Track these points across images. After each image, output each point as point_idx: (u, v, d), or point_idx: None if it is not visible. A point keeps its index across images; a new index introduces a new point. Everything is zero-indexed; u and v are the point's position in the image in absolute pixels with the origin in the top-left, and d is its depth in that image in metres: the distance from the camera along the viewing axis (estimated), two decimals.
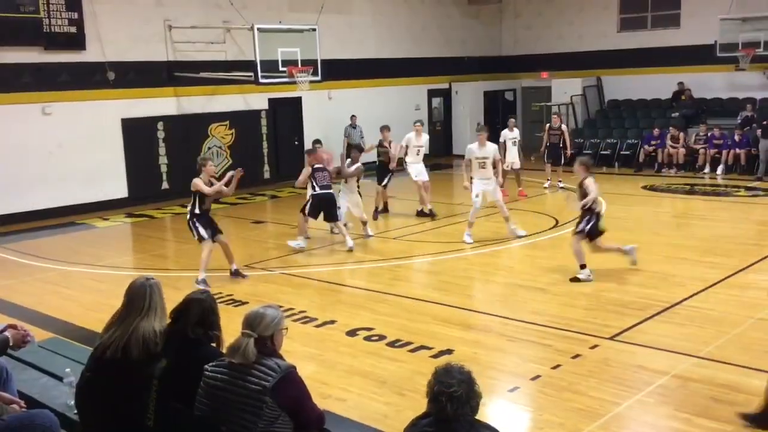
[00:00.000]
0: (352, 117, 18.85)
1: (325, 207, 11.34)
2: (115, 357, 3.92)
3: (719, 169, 17.77)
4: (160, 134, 16.56)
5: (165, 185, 16.73)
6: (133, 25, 15.77)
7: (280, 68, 15.50)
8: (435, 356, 6.84)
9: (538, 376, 6.40)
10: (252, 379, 3.49)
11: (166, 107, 16.57)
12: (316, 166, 11.43)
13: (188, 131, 16.91)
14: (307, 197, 11.52)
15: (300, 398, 3.59)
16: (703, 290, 8.57)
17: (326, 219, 11.61)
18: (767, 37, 18.51)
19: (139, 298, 4.08)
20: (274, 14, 17.37)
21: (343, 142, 18.63)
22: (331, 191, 11.43)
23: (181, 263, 11.20)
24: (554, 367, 6.56)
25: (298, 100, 18.88)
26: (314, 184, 11.32)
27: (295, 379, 3.58)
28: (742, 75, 19.56)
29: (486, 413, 6.00)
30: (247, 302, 8.68)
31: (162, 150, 16.63)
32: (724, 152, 17.83)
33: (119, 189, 16.05)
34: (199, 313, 3.98)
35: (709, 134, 18.17)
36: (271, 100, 18.39)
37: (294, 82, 16.02)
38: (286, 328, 3.80)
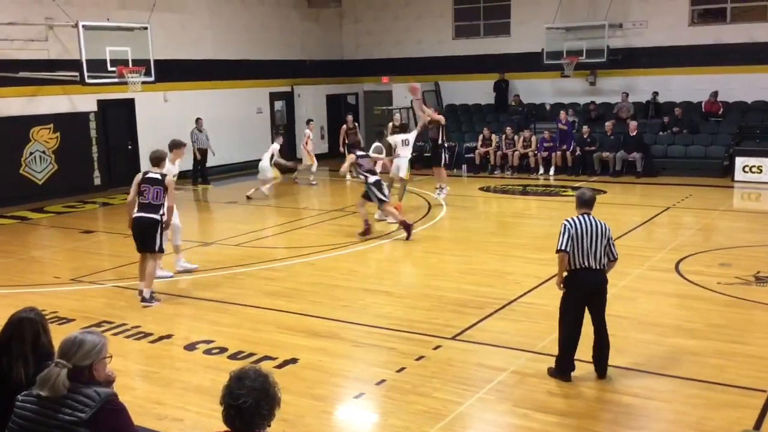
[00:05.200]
0: (198, 120, 18.15)
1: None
2: None
3: (551, 171, 18.80)
4: None
5: None
6: None
7: (109, 68, 14.66)
8: (279, 366, 6.64)
9: (383, 381, 6.37)
10: (66, 410, 3.18)
11: None
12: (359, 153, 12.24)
13: (7, 135, 15.55)
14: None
15: (120, 428, 3.31)
16: (537, 286, 8.95)
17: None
18: (589, 45, 19.88)
19: None
20: (101, 11, 16.37)
21: (192, 148, 17.93)
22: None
23: None
24: (399, 371, 6.56)
25: (130, 102, 17.91)
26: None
27: (116, 407, 3.30)
28: (567, 81, 20.83)
29: (332, 421, 5.92)
30: (74, 319, 8.05)
31: None
32: (554, 155, 18.88)
33: None
34: (32, 332, 3.72)
35: (539, 137, 19.16)
36: (100, 102, 17.32)
37: (125, 83, 15.21)
38: (110, 356, 3.46)
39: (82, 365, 3.29)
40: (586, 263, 6.10)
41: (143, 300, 8.75)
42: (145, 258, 8.96)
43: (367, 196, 12.15)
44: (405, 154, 14.05)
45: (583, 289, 6.16)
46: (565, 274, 6.23)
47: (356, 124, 19.54)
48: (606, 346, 6.27)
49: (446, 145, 15.71)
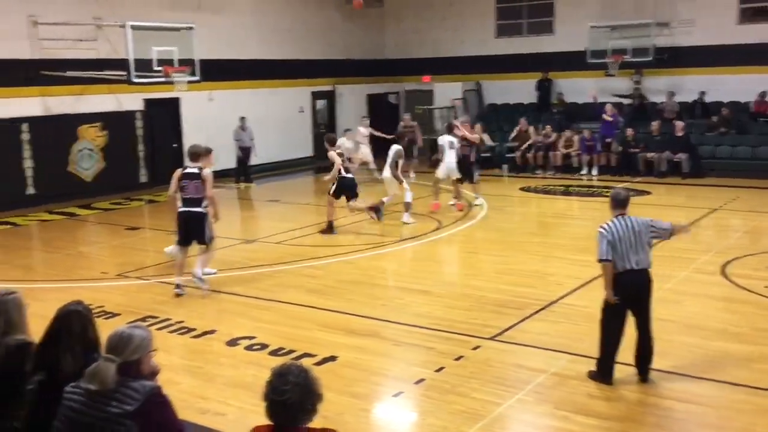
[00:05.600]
0: (242, 119, 18.40)
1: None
2: None
3: (594, 171, 18.58)
4: (25, 136, 15.51)
5: (31, 190, 15.68)
6: None
7: (156, 67, 14.91)
8: (318, 363, 6.69)
9: (422, 380, 6.38)
10: (113, 403, 3.25)
11: (31, 108, 15.54)
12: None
13: (56, 133, 15.94)
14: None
15: (165, 421, 3.36)
16: (579, 288, 8.86)
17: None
18: (634, 44, 19.57)
19: (3, 313, 3.92)
20: (149, 11, 16.67)
21: (234, 146, 18.19)
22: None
23: (48, 274, 10.51)
24: (438, 370, 6.56)
25: (176, 101, 18.21)
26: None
27: (160, 400, 3.36)
28: (612, 80, 20.54)
29: (370, 419, 5.95)
30: (120, 314, 8.22)
31: (27, 153, 15.59)
32: (595, 156, 18.66)
33: None
34: (80, 325, 3.78)
35: (580, 137, 18.93)
36: (146, 101, 17.65)
37: (171, 82, 15.45)
38: (155, 350, 3.54)
39: (131, 360, 3.36)
40: (627, 266, 5.98)
41: (195, 277, 8.97)
42: (185, 252, 9.17)
43: (337, 194, 12.28)
44: (451, 157, 13.92)
45: (625, 293, 6.02)
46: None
47: (415, 123, 19.50)
48: (649, 349, 6.16)
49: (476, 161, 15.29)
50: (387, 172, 13.33)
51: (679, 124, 18.00)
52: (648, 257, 6.09)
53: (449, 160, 13.93)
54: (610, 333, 6.12)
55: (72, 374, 3.58)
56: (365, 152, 17.63)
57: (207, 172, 8.99)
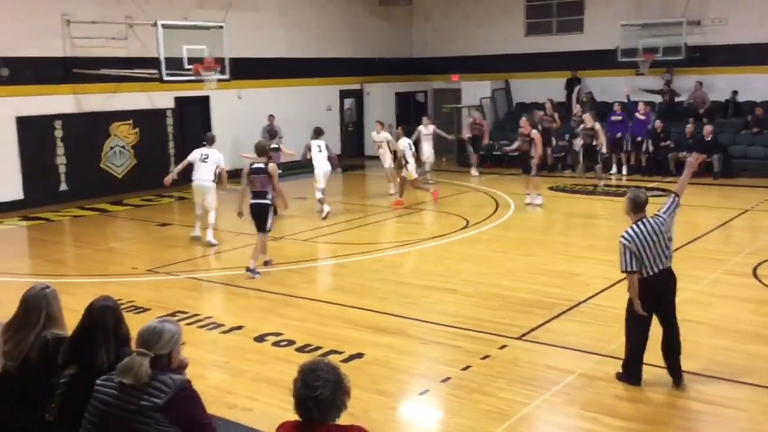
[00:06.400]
0: (270, 117, 18.50)
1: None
2: (10, 369, 3.79)
3: (624, 170, 18.40)
4: (58, 133, 15.78)
5: (63, 186, 15.95)
6: (27, 19, 14.96)
7: (186, 66, 15.05)
8: (345, 360, 6.72)
9: (448, 378, 6.38)
10: (144, 396, 3.30)
11: (64, 105, 15.79)
12: None
13: (88, 130, 16.19)
14: None
15: (193, 414, 3.40)
16: (607, 288, 8.79)
17: None
18: (665, 43, 19.32)
19: (35, 308, 3.98)
20: (179, 10, 16.85)
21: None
22: None
23: (79, 268, 10.68)
24: (464, 369, 6.56)
25: (206, 99, 18.38)
26: None
27: (189, 394, 3.40)
28: (642, 79, 20.31)
29: (397, 416, 5.96)
30: (150, 309, 8.33)
31: (60, 150, 15.85)
32: (623, 154, 18.47)
33: (14, 191, 15.18)
34: (113, 320, 3.85)
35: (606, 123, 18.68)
36: (177, 99, 17.83)
37: (201, 81, 15.59)
38: (184, 343, 3.59)
39: (161, 354, 3.40)
40: (653, 270, 5.86)
41: (249, 271, 9.69)
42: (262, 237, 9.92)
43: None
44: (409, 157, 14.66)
45: (650, 294, 5.92)
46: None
47: (485, 120, 19.74)
48: (675, 349, 6.06)
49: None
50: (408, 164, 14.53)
51: (708, 128, 17.70)
52: (671, 254, 5.98)
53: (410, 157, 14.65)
54: (637, 335, 6.07)
55: (105, 368, 3.65)
56: (427, 151, 17.56)
57: (272, 166, 9.80)
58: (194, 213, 12.15)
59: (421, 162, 17.06)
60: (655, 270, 5.89)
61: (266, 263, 10.16)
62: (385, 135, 15.92)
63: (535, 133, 14.23)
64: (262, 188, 9.69)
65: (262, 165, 9.73)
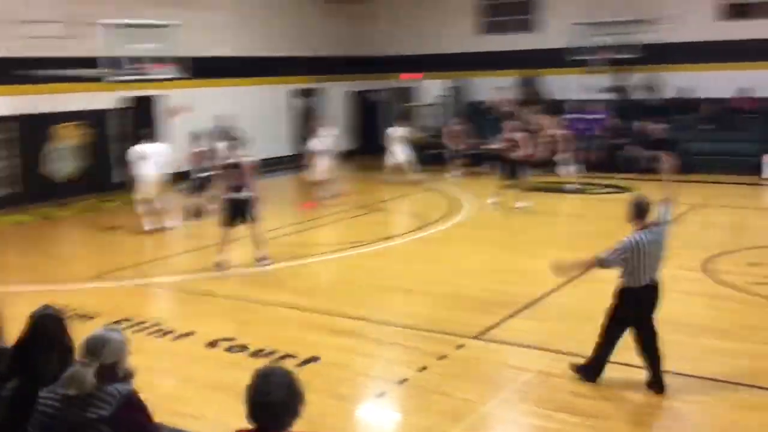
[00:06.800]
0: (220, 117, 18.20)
1: None
2: None
3: (574, 167, 18.58)
4: None
5: (3, 191, 15.33)
6: None
7: (135, 65, 14.71)
8: (301, 364, 6.59)
9: (405, 380, 6.30)
10: (89, 408, 3.19)
11: (2, 107, 15.19)
12: None
13: (30, 133, 15.64)
14: None
15: (140, 425, 3.31)
16: (562, 285, 8.78)
17: None
18: (616, 41, 19.60)
19: None
20: (130, 9, 16.42)
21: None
22: None
23: (21, 276, 10.31)
24: (421, 369, 6.48)
25: (155, 99, 17.97)
26: None
27: (136, 404, 3.30)
28: (594, 78, 20.56)
29: (354, 419, 5.85)
30: (95, 316, 8.06)
31: (1, 153, 15.29)
32: (576, 152, 18.65)
33: None
34: (56, 329, 3.75)
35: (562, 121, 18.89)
36: (125, 99, 17.38)
37: (149, 80, 15.25)
38: (130, 352, 3.47)
39: (107, 363, 3.30)
40: (646, 281, 5.69)
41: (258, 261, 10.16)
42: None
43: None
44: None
45: (640, 308, 5.78)
46: (621, 286, 5.81)
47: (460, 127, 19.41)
48: (655, 354, 5.88)
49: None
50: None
51: (657, 128, 18.01)
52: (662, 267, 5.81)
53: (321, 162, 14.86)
54: (614, 337, 5.95)
55: (48, 379, 3.51)
56: (399, 152, 17.37)
57: (246, 161, 10.18)
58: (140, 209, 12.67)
59: (399, 164, 16.92)
60: (646, 281, 5.72)
61: (218, 265, 9.98)
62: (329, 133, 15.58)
63: (520, 135, 14.23)
64: (239, 182, 9.97)
65: (235, 161, 10.12)
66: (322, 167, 14.88)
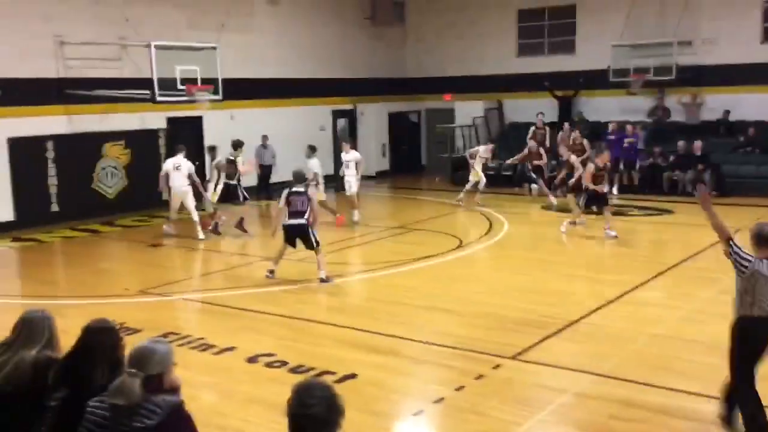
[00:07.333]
0: (264, 137, 18.55)
1: None
2: (4, 389, 3.79)
3: (615, 189, 18.46)
4: (50, 154, 15.73)
5: (54, 207, 15.86)
6: (21, 40, 14.95)
7: (179, 86, 15.08)
8: (339, 381, 6.66)
9: (442, 399, 6.33)
10: (136, 418, 3.26)
11: (56, 126, 15.75)
12: None
13: (80, 151, 16.14)
14: None
15: None
16: (601, 307, 8.76)
17: None
18: (657, 63, 19.49)
19: (38, 330, 4.04)
20: (172, 31, 16.88)
21: (254, 162, 18.29)
22: None
23: (70, 290, 10.60)
24: (458, 389, 6.51)
25: (199, 120, 18.39)
26: None
27: (182, 415, 3.36)
28: (634, 99, 20.46)
29: None
30: (141, 330, 8.26)
31: (52, 170, 15.80)
32: (616, 174, 18.53)
33: (5, 212, 15.09)
34: (111, 342, 3.87)
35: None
36: (170, 119, 17.83)
37: (194, 101, 15.62)
38: (175, 363, 3.55)
39: (153, 374, 3.37)
40: (758, 312, 5.24)
41: (322, 281, 10.32)
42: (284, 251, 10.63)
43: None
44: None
45: (756, 343, 5.33)
46: (736, 318, 5.36)
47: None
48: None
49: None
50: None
51: (697, 144, 17.86)
52: None
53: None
54: (750, 385, 5.29)
55: (97, 390, 3.61)
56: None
57: (312, 191, 10.95)
58: (170, 217, 14.05)
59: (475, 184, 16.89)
60: (760, 312, 5.27)
61: (271, 272, 10.57)
62: (354, 155, 15.59)
63: (573, 158, 14.21)
64: (302, 209, 10.32)
65: (302, 189, 10.49)
66: (350, 188, 15.04)
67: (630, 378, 6.57)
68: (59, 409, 3.68)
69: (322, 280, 10.32)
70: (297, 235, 10.42)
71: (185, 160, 13.94)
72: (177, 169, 13.74)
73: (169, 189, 13.96)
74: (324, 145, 21.87)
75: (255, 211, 17.35)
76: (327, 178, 18.59)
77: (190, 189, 13.67)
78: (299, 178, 10.73)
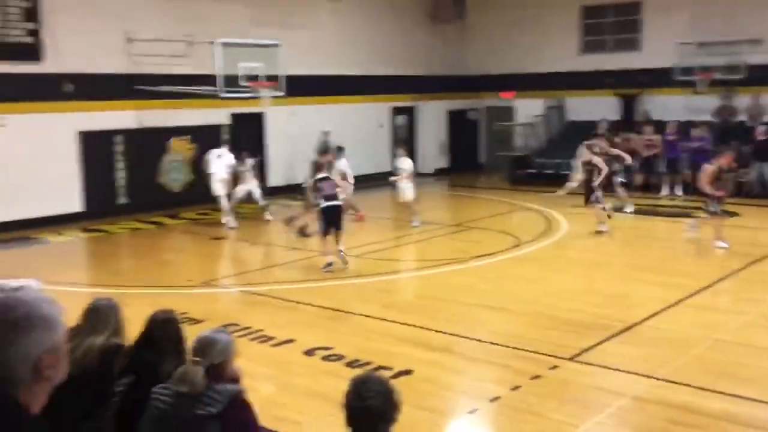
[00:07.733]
0: (325, 133, 18.65)
1: None
2: (71, 373, 3.85)
3: (678, 190, 18.03)
4: (118, 148, 16.25)
5: (122, 200, 16.39)
6: (93, 37, 15.48)
7: (243, 83, 15.37)
8: (395, 376, 6.70)
9: (497, 398, 6.33)
10: (199, 405, 3.37)
11: (125, 120, 16.26)
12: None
13: (147, 145, 16.63)
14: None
15: (246, 424, 3.47)
16: (662, 311, 8.60)
17: None
18: (724, 61, 18.94)
19: (104, 317, 4.19)
20: (237, 29, 17.21)
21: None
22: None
23: (135, 280, 10.93)
24: (514, 389, 6.49)
25: (260, 116, 18.71)
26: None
27: (243, 404, 3.47)
28: (700, 98, 19.93)
29: None
30: (203, 321, 8.47)
31: (120, 164, 16.32)
32: (681, 174, 18.11)
33: (75, 203, 15.67)
34: (176, 332, 4.03)
35: (664, 136, 18.39)
36: (233, 115, 18.18)
37: (257, 97, 15.89)
38: (237, 353, 3.67)
39: (216, 363, 3.48)
40: None
41: (341, 252, 10.87)
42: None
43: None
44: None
45: None
46: None
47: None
48: None
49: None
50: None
51: (761, 128, 17.31)
52: None
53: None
54: None
55: (161, 377, 3.74)
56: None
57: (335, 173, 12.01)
58: (220, 204, 14.71)
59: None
60: None
61: (328, 265, 10.81)
62: (408, 163, 15.06)
63: (597, 160, 13.46)
64: (333, 192, 10.87)
65: (326, 174, 11.17)
66: (405, 188, 14.62)
67: (691, 383, 6.44)
68: (124, 394, 3.83)
69: (341, 251, 10.89)
70: (336, 215, 10.88)
71: (228, 152, 15.14)
72: (219, 157, 14.92)
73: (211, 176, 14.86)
74: (381, 142, 22.02)
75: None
76: (381, 174, 18.72)
77: (226, 178, 14.69)
78: (318, 166, 11.64)
